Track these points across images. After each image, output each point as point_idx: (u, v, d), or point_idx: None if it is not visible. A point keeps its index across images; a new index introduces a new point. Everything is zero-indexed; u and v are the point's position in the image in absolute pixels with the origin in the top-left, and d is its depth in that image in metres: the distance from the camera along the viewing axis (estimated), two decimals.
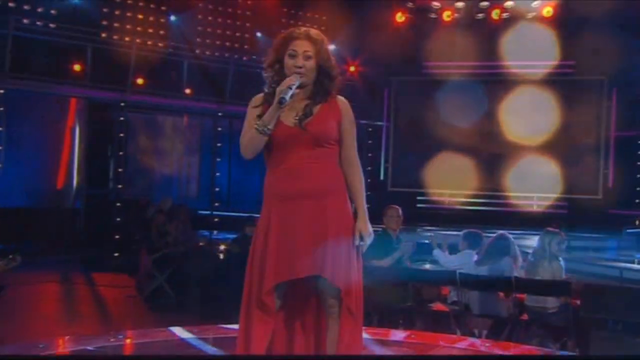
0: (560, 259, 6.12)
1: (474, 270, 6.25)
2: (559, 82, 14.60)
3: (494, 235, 6.42)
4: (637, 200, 14.74)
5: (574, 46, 14.16)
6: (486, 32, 14.54)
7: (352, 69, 15.16)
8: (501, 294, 6.21)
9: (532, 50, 14.40)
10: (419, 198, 14.94)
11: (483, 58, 14.63)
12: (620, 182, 14.53)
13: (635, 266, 9.95)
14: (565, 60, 14.60)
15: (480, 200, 14.79)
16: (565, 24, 14.36)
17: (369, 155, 15.38)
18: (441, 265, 6.61)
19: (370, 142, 15.46)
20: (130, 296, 8.88)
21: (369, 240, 3.21)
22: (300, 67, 3.18)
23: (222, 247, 9.49)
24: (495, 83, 14.83)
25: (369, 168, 15.17)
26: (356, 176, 3.26)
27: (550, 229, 6.24)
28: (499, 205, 14.70)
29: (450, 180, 14.63)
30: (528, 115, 14.67)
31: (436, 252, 6.70)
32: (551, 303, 6.05)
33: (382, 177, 15.55)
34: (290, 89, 3.10)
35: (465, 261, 6.45)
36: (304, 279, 3.14)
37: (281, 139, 3.16)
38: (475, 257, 6.36)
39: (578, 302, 5.96)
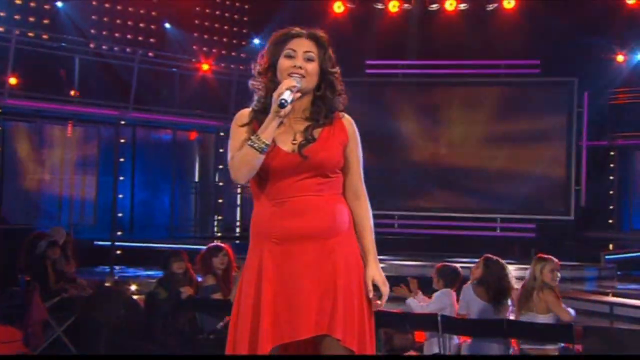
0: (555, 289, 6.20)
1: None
2: (523, 84, 14.77)
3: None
4: (610, 221, 15.07)
5: (540, 42, 14.41)
6: (439, 25, 14.67)
7: None
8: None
9: (491, 47, 14.54)
10: None
11: (436, 56, 14.71)
12: (595, 199, 14.78)
13: (629, 301, 9.94)
14: (529, 58, 14.78)
15: (434, 224, 14.83)
16: (530, 16, 14.63)
17: None
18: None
19: None
20: (19, 355, 8.35)
21: (386, 290, 3.14)
22: (300, 68, 3.11)
23: (133, 287, 8.89)
24: (450, 85, 14.91)
25: None
26: (364, 211, 3.23)
27: (541, 255, 6.35)
28: (455, 229, 14.79)
29: (399, 200, 14.64)
30: (488, 123, 14.81)
31: (410, 302, 6.55)
32: (551, 346, 6.12)
33: None
34: (291, 91, 3.01)
35: (445, 304, 6.40)
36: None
37: (276, 166, 3.09)
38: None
39: (579, 347, 5.92)
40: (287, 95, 2.99)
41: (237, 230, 15.52)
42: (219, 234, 15.11)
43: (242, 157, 3.06)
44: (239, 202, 15.54)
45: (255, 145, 3.02)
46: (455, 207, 14.63)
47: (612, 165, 15.31)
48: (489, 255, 6.41)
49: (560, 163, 14.85)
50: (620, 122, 15.03)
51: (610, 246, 14.17)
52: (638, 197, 15.17)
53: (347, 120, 3.24)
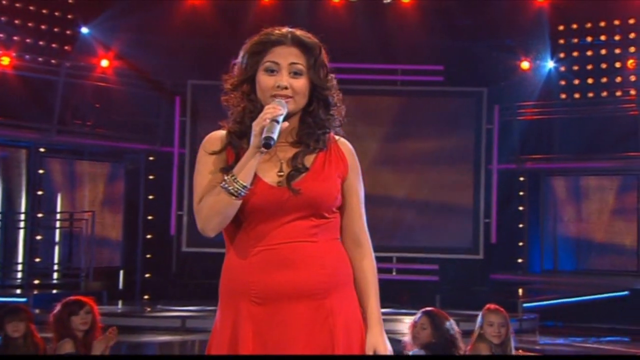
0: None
1: None
2: (424, 94, 14.25)
3: None
4: (519, 260, 14.67)
5: (444, 43, 13.99)
6: (327, 20, 13.81)
7: (104, 63, 13.94)
8: None
9: (388, 48, 13.93)
10: None
11: None
12: (505, 234, 14.40)
13: None
14: (431, 63, 14.24)
15: None
16: (431, 12, 14.09)
17: (150, 197, 14.32)
18: None
19: (151, 177, 14.35)
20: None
21: None
22: (286, 88, 2.96)
23: None
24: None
25: (150, 217, 14.23)
26: (367, 262, 3.08)
27: (491, 306, 6.29)
28: None
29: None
30: (383, 140, 14.22)
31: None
32: None
33: (172, 232, 14.27)
34: (277, 122, 2.84)
35: None
36: None
37: (258, 204, 2.94)
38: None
39: None
40: (273, 131, 2.80)
41: (55, 276, 13.99)
42: (27, 281, 13.50)
43: (212, 203, 2.91)
44: (57, 238, 13.98)
45: (230, 188, 2.86)
46: None
47: (521, 193, 14.79)
48: (431, 309, 6.33)
49: (468, 190, 14.35)
50: (529, 142, 14.54)
51: (520, 291, 13.73)
52: (549, 232, 14.70)
53: (344, 144, 3.12)
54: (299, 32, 3.03)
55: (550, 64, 14.30)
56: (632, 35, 13.78)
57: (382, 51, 13.94)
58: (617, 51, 13.88)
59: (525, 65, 14.40)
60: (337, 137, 3.09)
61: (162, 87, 14.39)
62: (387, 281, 13.07)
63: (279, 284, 2.92)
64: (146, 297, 13.58)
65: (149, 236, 14.01)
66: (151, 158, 14.41)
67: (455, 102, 14.44)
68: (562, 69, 14.29)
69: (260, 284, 2.92)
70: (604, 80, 14.00)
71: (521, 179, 14.68)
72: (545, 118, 14.36)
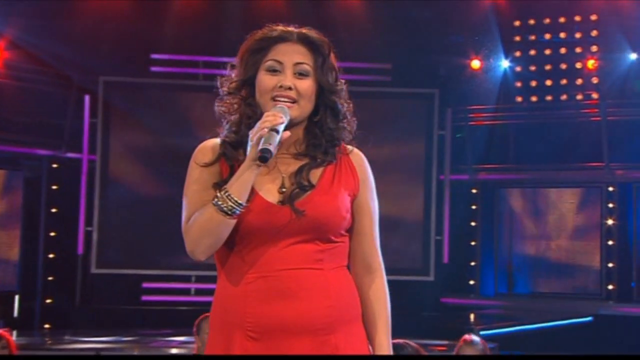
0: None
1: None
2: (370, 95, 13.55)
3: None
4: (471, 282, 14.25)
5: (391, 40, 13.51)
6: (257, 9, 13.22)
7: None
8: None
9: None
10: (146, 286, 13.55)
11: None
12: (459, 252, 14.06)
13: None
14: (377, 61, 13.78)
15: None
16: (378, 7, 13.72)
17: (53, 211, 13.57)
18: None
19: (55, 188, 13.64)
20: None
21: None
22: (290, 89, 2.89)
23: None
24: None
25: (53, 233, 13.45)
26: (379, 291, 3.00)
27: (467, 337, 6.37)
28: None
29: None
30: None
31: None
32: None
33: (79, 251, 13.61)
34: (277, 132, 2.76)
35: None
36: None
37: (255, 224, 2.87)
38: None
39: None
40: (270, 142, 2.72)
41: None
42: None
43: (203, 222, 2.84)
44: None
45: (223, 205, 2.79)
46: None
47: (474, 206, 14.33)
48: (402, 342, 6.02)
49: (418, 203, 13.96)
50: (482, 150, 14.17)
51: (472, 317, 13.41)
52: (504, 250, 14.24)
53: (356, 155, 3.04)
54: (305, 29, 2.97)
55: (505, 64, 13.79)
56: (594, 33, 13.36)
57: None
58: (578, 50, 13.44)
59: (475, 64, 13.91)
60: (348, 148, 3.01)
61: (68, 83, 13.62)
62: None
63: (278, 316, 2.86)
64: (47, 326, 12.84)
65: (51, 255, 13.22)
66: (55, 165, 13.74)
67: (403, 105, 14.16)
68: (518, 69, 13.81)
69: (257, 316, 2.87)
70: (564, 82, 13.52)
71: (473, 191, 14.25)
72: (499, 124, 13.97)
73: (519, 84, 13.77)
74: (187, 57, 13.93)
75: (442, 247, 13.86)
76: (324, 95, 2.92)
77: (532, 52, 13.69)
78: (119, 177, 13.92)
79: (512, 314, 13.34)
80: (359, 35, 13.33)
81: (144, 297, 13.57)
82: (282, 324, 2.84)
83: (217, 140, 2.97)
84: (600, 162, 12.98)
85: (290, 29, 2.93)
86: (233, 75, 2.97)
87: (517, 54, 13.77)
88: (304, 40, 2.92)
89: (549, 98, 13.61)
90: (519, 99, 13.81)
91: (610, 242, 13.00)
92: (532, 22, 13.69)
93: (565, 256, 13.57)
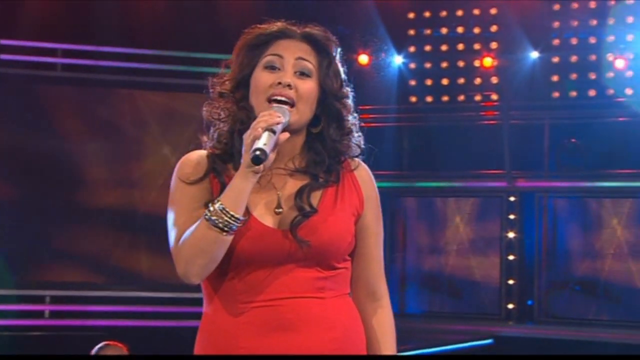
0: None
1: None
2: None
3: None
4: None
5: None
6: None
7: None
8: None
9: (217, 33, 12.51)
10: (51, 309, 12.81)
11: (131, 42, 12.85)
12: None
13: None
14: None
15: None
16: None
17: None
18: None
19: None
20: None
21: None
22: (289, 87, 2.79)
23: None
24: (146, 89, 13.21)
25: None
26: (385, 320, 2.99)
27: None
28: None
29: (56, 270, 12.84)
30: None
31: None
32: None
33: None
34: (273, 132, 2.64)
35: None
36: None
37: (250, 249, 2.78)
38: None
39: None
40: (265, 143, 2.60)
41: None
42: None
43: (195, 240, 2.71)
44: None
45: (218, 221, 2.66)
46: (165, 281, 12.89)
47: None
48: None
49: None
50: (374, 155, 12.71)
51: None
52: (397, 265, 13.60)
53: (361, 170, 2.97)
54: (310, 27, 2.90)
55: (398, 60, 13.09)
56: (493, 28, 12.74)
57: (211, 38, 12.67)
58: (477, 47, 12.80)
59: (363, 59, 13.10)
60: (353, 163, 2.92)
61: None
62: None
63: (275, 351, 2.78)
64: None
65: None
66: None
67: None
68: (412, 66, 13.10)
69: (251, 351, 2.80)
70: (462, 81, 12.92)
71: None
72: (392, 126, 13.16)
73: (413, 83, 13.11)
74: (44, 44, 13.07)
75: None
76: (327, 101, 2.83)
77: (428, 48, 13.05)
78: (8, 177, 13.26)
79: (404, 337, 12.76)
80: (241, 26, 12.44)
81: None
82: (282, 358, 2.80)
83: (203, 152, 2.86)
84: (500, 170, 12.53)
85: (291, 26, 2.86)
86: (226, 75, 2.86)
87: (412, 49, 13.11)
88: (309, 39, 2.85)
89: (445, 98, 13.01)
90: (413, 99, 13.19)
91: (510, 257, 12.49)
92: (427, 14, 13.06)
93: (462, 272, 13.07)
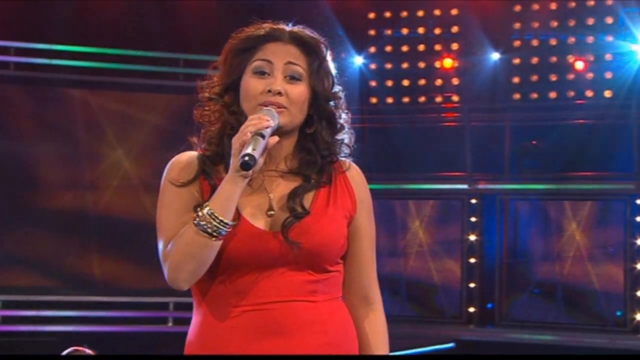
0: None
1: None
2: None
3: None
4: None
5: (229, 33, 12.67)
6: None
7: None
8: None
9: (171, 33, 12.86)
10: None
11: (85, 40, 12.69)
12: None
13: None
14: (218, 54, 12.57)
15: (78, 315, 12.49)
16: None
17: None
18: None
19: None
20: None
21: None
22: (279, 94, 2.76)
23: None
24: (101, 88, 12.96)
25: None
26: (378, 325, 2.93)
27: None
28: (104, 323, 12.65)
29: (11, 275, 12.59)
30: (162, 150, 12.40)
31: None
32: None
33: None
34: (262, 136, 2.63)
35: None
36: None
37: (239, 253, 2.76)
38: None
39: None
40: (254, 148, 2.59)
41: None
42: None
43: (184, 245, 2.70)
44: None
45: (207, 226, 2.66)
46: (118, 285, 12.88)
47: None
48: None
49: None
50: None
51: None
52: None
53: (353, 171, 2.94)
54: (298, 28, 2.86)
55: (358, 60, 13.04)
56: (454, 29, 12.83)
57: (165, 36, 12.69)
58: (438, 48, 12.88)
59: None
60: (345, 164, 2.89)
61: None
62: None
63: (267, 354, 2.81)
64: None
65: None
66: None
67: None
68: (373, 66, 13.09)
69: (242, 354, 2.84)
70: (422, 82, 12.93)
71: None
72: (352, 127, 12.86)
73: (373, 84, 13.11)
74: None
75: None
76: (318, 103, 2.81)
77: (388, 49, 13.09)
78: None
79: None
80: (204, 27, 12.62)
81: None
82: None
83: (194, 154, 2.85)
84: (461, 172, 12.53)
85: (281, 26, 2.82)
86: (215, 78, 2.85)
87: (372, 49, 13.10)
88: (297, 41, 2.81)
89: (406, 100, 13.04)
90: (374, 100, 13.20)
91: (472, 260, 12.49)
92: (388, 14, 13.08)
93: (423, 275, 13.00)
